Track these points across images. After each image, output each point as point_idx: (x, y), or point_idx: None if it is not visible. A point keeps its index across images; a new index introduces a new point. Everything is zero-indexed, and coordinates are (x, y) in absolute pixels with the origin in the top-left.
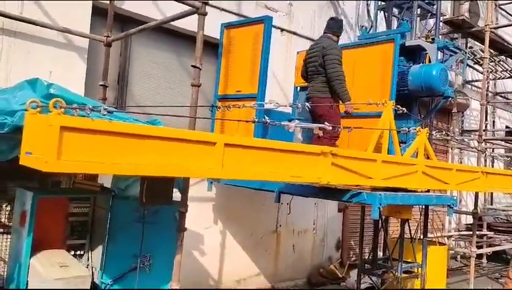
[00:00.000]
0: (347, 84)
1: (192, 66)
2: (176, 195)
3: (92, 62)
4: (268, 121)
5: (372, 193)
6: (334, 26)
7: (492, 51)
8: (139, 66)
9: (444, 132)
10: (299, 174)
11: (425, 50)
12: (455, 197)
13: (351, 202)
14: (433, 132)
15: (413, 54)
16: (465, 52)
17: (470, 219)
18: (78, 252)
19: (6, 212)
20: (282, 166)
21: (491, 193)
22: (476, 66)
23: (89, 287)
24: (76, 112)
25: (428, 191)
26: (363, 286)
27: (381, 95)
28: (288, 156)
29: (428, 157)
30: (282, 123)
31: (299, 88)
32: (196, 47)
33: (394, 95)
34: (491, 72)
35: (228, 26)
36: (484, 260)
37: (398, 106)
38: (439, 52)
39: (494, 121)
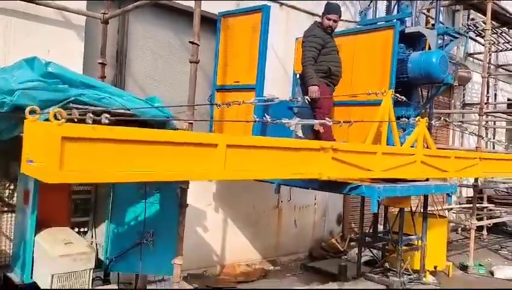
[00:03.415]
0: (347, 71)
1: (190, 42)
2: None
3: (89, 40)
4: (269, 119)
5: (370, 186)
6: (324, 9)
7: (494, 22)
8: (138, 43)
9: (442, 119)
10: (300, 170)
11: (425, 36)
12: (455, 185)
13: (350, 194)
14: (433, 121)
15: (413, 40)
16: (467, 27)
17: (470, 192)
18: (82, 229)
19: (10, 191)
20: (283, 163)
21: None
22: (478, 38)
23: (93, 264)
24: (74, 113)
25: (427, 179)
26: (363, 259)
27: (380, 82)
28: (289, 153)
29: (427, 146)
30: (283, 121)
31: (298, 75)
32: (194, 23)
33: (393, 83)
34: (493, 44)
35: (225, 15)
36: (484, 232)
37: (397, 95)
38: (439, 37)
39: (495, 94)
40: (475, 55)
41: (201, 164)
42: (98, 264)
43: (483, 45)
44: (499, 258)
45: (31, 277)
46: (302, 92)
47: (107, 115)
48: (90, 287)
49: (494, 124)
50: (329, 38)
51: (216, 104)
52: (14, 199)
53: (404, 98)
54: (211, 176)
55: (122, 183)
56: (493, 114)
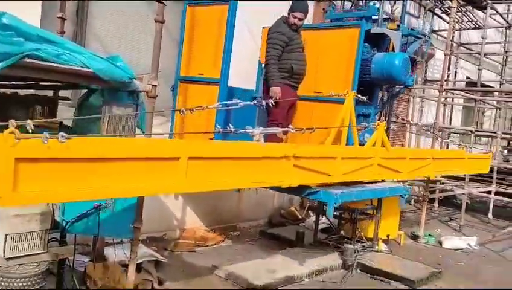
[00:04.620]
0: (311, 66)
1: (156, 0)
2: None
3: None
4: (232, 130)
5: (328, 192)
6: (291, 6)
7: (460, 1)
8: None
9: (400, 118)
10: (262, 179)
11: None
12: (408, 187)
13: (308, 198)
14: (391, 126)
15: (377, 39)
16: (434, 3)
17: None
18: None
19: None
20: (245, 172)
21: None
22: (443, 16)
23: (49, 225)
24: (30, 127)
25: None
26: (320, 227)
27: (344, 81)
28: (252, 162)
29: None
30: (247, 131)
31: (263, 65)
32: None
33: (356, 83)
34: (457, 22)
35: (191, 4)
36: (436, 204)
37: (359, 96)
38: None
39: (456, 72)
40: (439, 32)
41: (162, 178)
42: (55, 225)
43: (447, 22)
44: (448, 229)
45: None
46: (264, 88)
47: (64, 134)
48: (46, 249)
49: (453, 100)
50: (295, 35)
51: (179, 111)
52: None
53: (366, 99)
54: (171, 190)
55: None
56: (452, 91)
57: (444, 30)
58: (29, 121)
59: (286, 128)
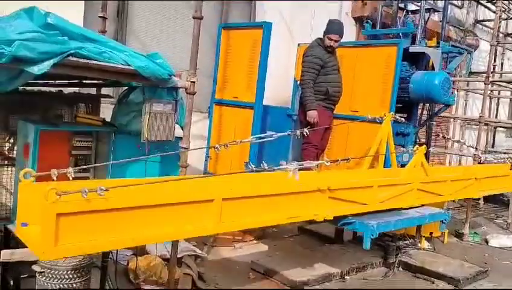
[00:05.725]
0: (348, 84)
1: None
2: (179, 131)
3: None
4: (266, 167)
5: (364, 223)
6: (326, 28)
7: None
8: None
9: (441, 136)
10: (296, 214)
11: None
12: (448, 212)
13: (343, 228)
14: (431, 149)
15: (416, 57)
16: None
17: (470, 161)
18: None
19: (10, 145)
20: (279, 209)
21: (493, 136)
22: (489, 5)
23: None
24: (70, 175)
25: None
26: None
27: (381, 99)
28: (286, 197)
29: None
30: (281, 167)
31: (298, 82)
32: None
33: (394, 104)
34: (503, 11)
35: (226, 27)
36: (481, 201)
37: (397, 116)
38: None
39: (502, 63)
40: (484, 22)
41: (196, 220)
42: None
43: (493, 12)
44: (494, 227)
45: None
46: (300, 110)
47: (103, 188)
48: None
49: (499, 93)
50: (330, 57)
51: (214, 147)
52: (14, 152)
53: (404, 119)
54: (205, 231)
55: (123, 141)
56: (499, 83)
57: (489, 20)
58: (69, 169)
59: (321, 162)
